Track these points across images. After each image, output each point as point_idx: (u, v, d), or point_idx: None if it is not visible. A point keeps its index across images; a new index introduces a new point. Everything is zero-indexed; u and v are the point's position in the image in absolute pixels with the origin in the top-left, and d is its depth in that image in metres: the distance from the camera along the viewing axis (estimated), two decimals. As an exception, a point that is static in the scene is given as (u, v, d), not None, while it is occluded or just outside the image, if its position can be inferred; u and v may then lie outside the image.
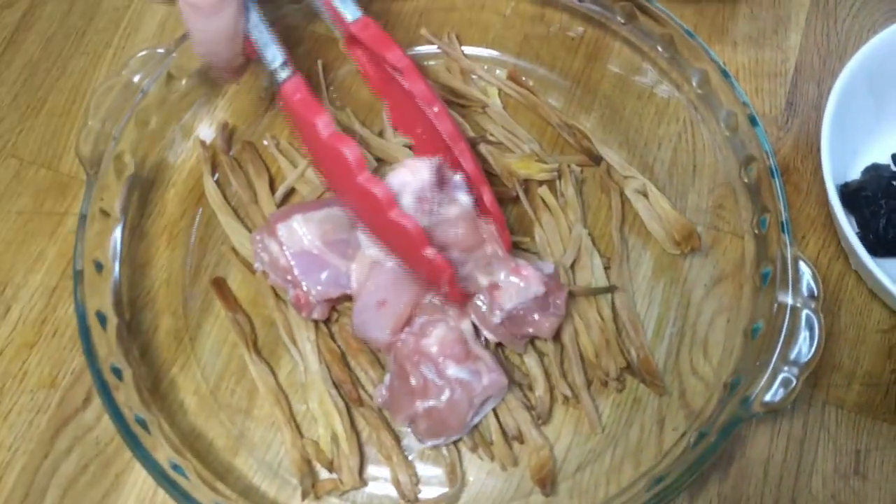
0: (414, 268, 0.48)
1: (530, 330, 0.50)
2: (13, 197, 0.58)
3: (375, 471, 0.50)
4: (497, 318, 0.49)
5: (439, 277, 0.46)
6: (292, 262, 0.51)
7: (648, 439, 0.51)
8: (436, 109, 0.48)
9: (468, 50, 0.62)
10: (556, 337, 0.52)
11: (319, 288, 0.51)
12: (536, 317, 0.50)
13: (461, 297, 0.49)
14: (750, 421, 0.51)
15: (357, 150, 0.45)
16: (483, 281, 0.49)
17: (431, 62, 0.61)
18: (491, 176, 0.57)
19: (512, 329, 0.50)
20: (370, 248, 0.51)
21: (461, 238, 0.49)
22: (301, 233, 0.51)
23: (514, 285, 0.49)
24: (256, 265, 0.53)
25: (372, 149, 0.57)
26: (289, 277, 0.51)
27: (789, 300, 0.46)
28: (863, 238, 0.54)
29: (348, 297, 0.52)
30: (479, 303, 0.49)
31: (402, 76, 0.49)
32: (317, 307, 0.51)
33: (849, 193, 0.56)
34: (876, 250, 0.54)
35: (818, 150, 0.53)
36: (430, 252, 0.45)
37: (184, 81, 0.57)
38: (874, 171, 0.57)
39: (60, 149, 0.60)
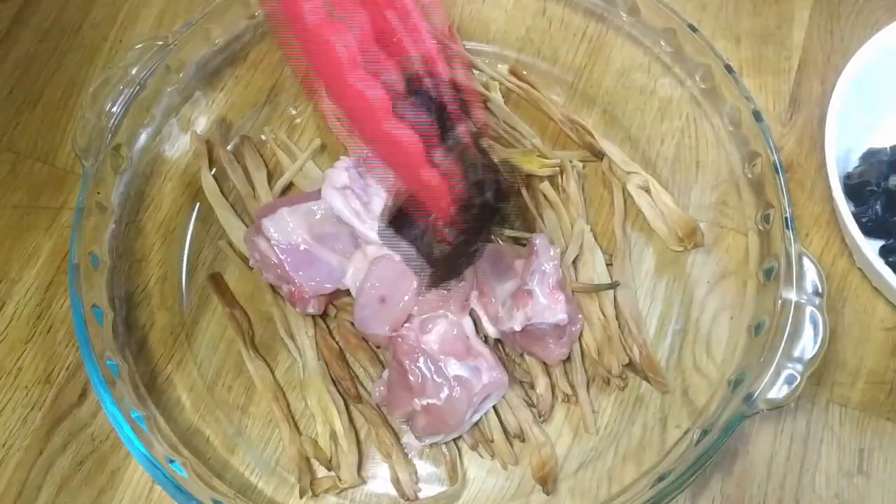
0: (410, 183, 0.42)
1: (538, 351, 0.50)
2: (8, 191, 0.58)
3: (374, 469, 0.50)
4: (518, 324, 0.48)
5: (438, 200, 0.41)
6: (282, 257, 0.50)
7: (651, 437, 0.50)
8: None
9: (469, 44, 0.61)
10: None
11: (312, 283, 0.50)
12: (551, 342, 0.49)
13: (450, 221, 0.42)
14: (753, 419, 0.51)
15: (351, 45, 0.38)
16: (509, 283, 0.49)
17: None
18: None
19: (521, 341, 0.50)
20: (370, 244, 0.50)
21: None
22: (288, 227, 0.50)
23: (545, 304, 0.48)
24: (251, 262, 0.53)
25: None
26: (280, 273, 0.51)
27: (794, 296, 0.46)
28: (857, 218, 0.53)
29: (344, 293, 0.52)
30: (493, 300, 0.49)
31: None
32: (311, 302, 0.51)
33: (852, 186, 0.55)
34: (871, 232, 0.54)
35: (822, 147, 0.53)
36: (428, 175, 0.40)
37: (181, 74, 0.56)
38: (872, 156, 0.56)
39: (56, 143, 0.59)
